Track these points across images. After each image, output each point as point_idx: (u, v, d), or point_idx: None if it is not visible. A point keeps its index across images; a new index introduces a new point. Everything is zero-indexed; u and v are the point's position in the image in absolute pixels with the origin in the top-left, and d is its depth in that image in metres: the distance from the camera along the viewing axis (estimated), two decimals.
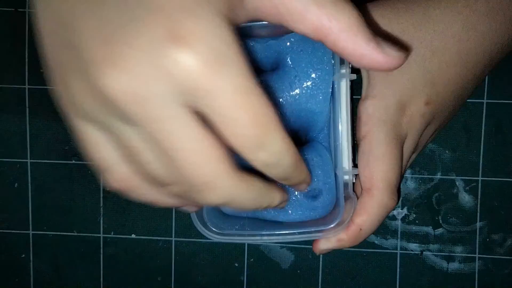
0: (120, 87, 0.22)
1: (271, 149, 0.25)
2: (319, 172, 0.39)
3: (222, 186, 0.25)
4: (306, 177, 0.31)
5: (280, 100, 0.37)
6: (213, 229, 0.38)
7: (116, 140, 0.25)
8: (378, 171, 0.37)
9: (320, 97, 0.38)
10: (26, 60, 0.49)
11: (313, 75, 0.38)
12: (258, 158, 0.26)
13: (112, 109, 0.23)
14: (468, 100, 0.44)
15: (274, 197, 0.31)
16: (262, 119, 0.24)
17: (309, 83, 0.38)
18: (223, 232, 0.38)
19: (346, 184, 0.38)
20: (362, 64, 0.29)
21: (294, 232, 0.38)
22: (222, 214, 0.41)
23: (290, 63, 0.38)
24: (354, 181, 0.39)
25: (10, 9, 0.48)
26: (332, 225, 0.38)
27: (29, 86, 0.49)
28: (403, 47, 0.33)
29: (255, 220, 0.40)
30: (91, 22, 0.22)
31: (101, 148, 0.26)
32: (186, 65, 0.22)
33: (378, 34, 0.29)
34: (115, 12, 0.22)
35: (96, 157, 0.26)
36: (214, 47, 0.22)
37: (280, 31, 0.38)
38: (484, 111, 0.46)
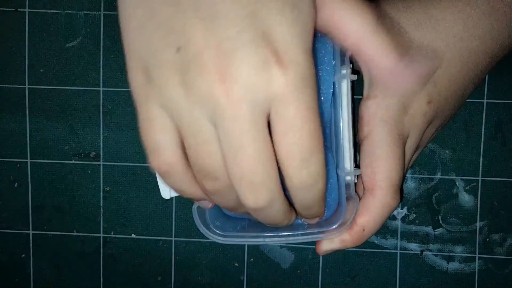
0: (227, 93, 0.27)
1: (313, 168, 0.29)
2: None
3: (267, 190, 0.29)
4: (323, 212, 0.35)
5: None
6: (216, 231, 0.38)
7: (184, 129, 0.29)
8: (381, 171, 0.37)
9: (321, 98, 0.38)
10: (26, 60, 0.49)
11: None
12: (299, 175, 0.29)
13: (207, 107, 0.28)
14: (468, 100, 0.44)
15: (292, 218, 0.34)
16: (316, 135, 0.29)
17: None
18: (226, 234, 0.38)
19: (348, 185, 0.38)
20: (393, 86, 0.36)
21: (297, 234, 0.38)
22: (223, 216, 0.41)
23: None
24: (356, 181, 0.39)
25: (10, 9, 0.48)
26: (334, 226, 0.38)
27: (29, 86, 0.49)
28: (433, 53, 0.37)
29: (257, 221, 0.40)
30: (212, 37, 0.27)
31: (162, 131, 0.30)
32: (282, 81, 0.27)
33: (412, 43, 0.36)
34: (235, 33, 0.27)
35: (154, 137, 0.30)
36: (304, 72, 0.27)
37: None
38: (484, 111, 0.46)
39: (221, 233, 0.38)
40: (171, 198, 0.48)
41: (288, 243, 0.48)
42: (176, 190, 0.33)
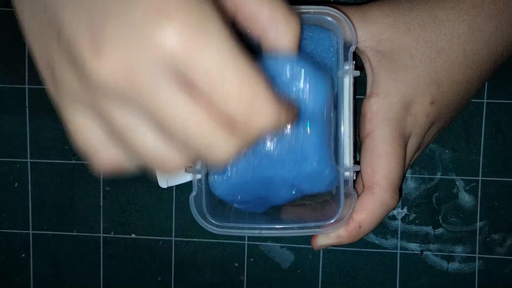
0: (109, 70, 0.23)
1: (264, 114, 0.25)
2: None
3: (223, 144, 0.25)
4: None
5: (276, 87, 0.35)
6: (212, 221, 0.38)
7: (107, 123, 0.26)
8: (381, 169, 0.37)
9: (322, 93, 0.38)
10: (26, 60, 0.49)
11: (316, 68, 0.38)
12: (256, 125, 0.25)
13: (104, 91, 0.24)
14: None
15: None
16: (249, 85, 0.24)
17: (311, 75, 0.38)
18: (222, 225, 0.38)
19: (346, 181, 0.38)
20: None
21: (293, 227, 0.38)
22: (220, 207, 0.40)
23: None
24: (355, 178, 0.39)
25: (10, 9, 0.48)
26: (331, 221, 0.38)
27: (29, 86, 0.49)
28: None
29: (254, 214, 0.40)
30: (81, 17, 0.23)
31: (91, 133, 0.27)
32: (171, 37, 0.22)
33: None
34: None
35: (86, 142, 0.27)
36: (196, 19, 0.23)
37: None
38: (484, 111, 0.46)
39: (217, 223, 0.38)
40: (171, 198, 0.48)
41: (285, 237, 0.48)
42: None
